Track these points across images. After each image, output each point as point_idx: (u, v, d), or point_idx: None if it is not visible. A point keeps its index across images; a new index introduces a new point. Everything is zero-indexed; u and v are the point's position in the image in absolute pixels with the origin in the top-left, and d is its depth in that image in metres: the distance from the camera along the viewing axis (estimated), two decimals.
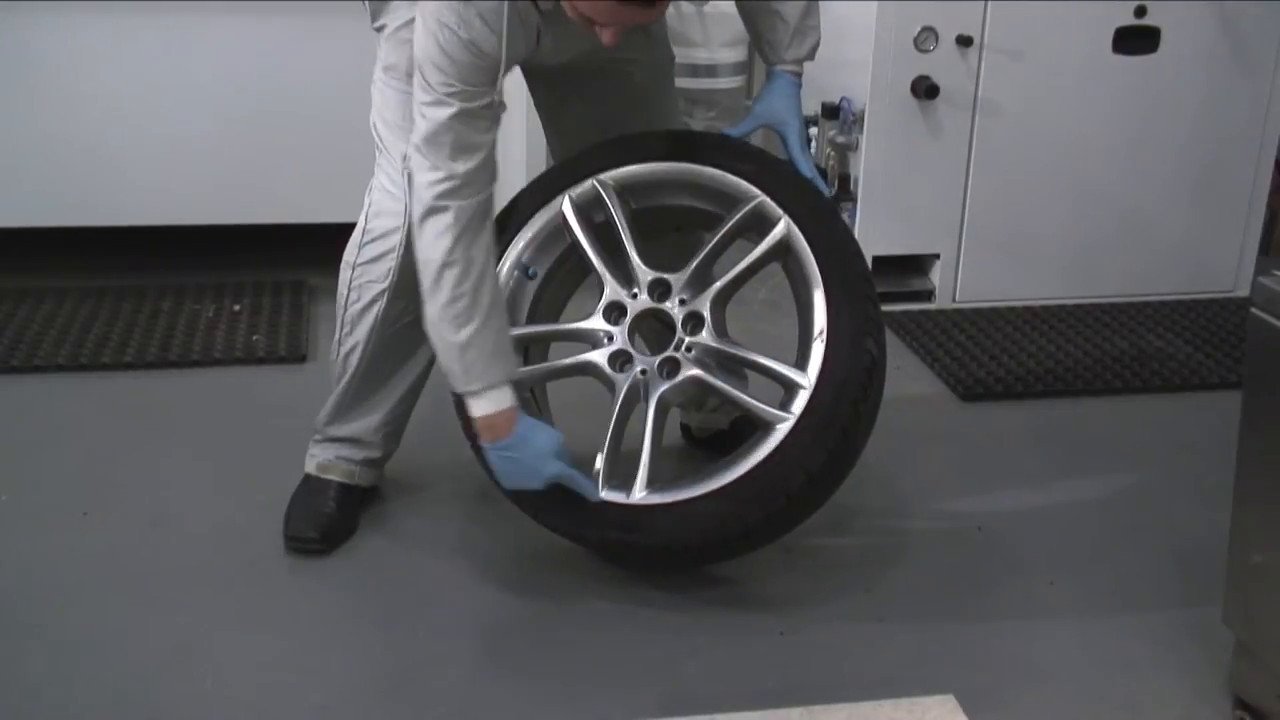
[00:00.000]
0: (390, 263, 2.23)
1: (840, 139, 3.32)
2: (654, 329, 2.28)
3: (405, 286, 2.24)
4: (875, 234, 3.33)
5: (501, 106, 2.01)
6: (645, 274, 2.20)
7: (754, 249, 2.16)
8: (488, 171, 2.01)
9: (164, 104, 3.26)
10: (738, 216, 2.16)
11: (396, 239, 2.21)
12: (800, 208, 2.13)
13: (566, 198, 2.23)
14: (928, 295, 3.42)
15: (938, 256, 3.40)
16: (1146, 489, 2.56)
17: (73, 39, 3.18)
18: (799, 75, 2.25)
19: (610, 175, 2.22)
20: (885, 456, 2.54)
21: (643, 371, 2.16)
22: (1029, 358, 3.11)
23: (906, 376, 3.04)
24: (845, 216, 3.35)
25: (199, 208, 3.38)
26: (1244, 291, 3.49)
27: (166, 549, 2.28)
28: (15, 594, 2.14)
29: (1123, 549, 2.35)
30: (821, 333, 2.05)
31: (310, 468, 2.37)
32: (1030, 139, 3.29)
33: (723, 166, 2.18)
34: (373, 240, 2.24)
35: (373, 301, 2.26)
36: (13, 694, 1.91)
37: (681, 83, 2.56)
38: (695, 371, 2.13)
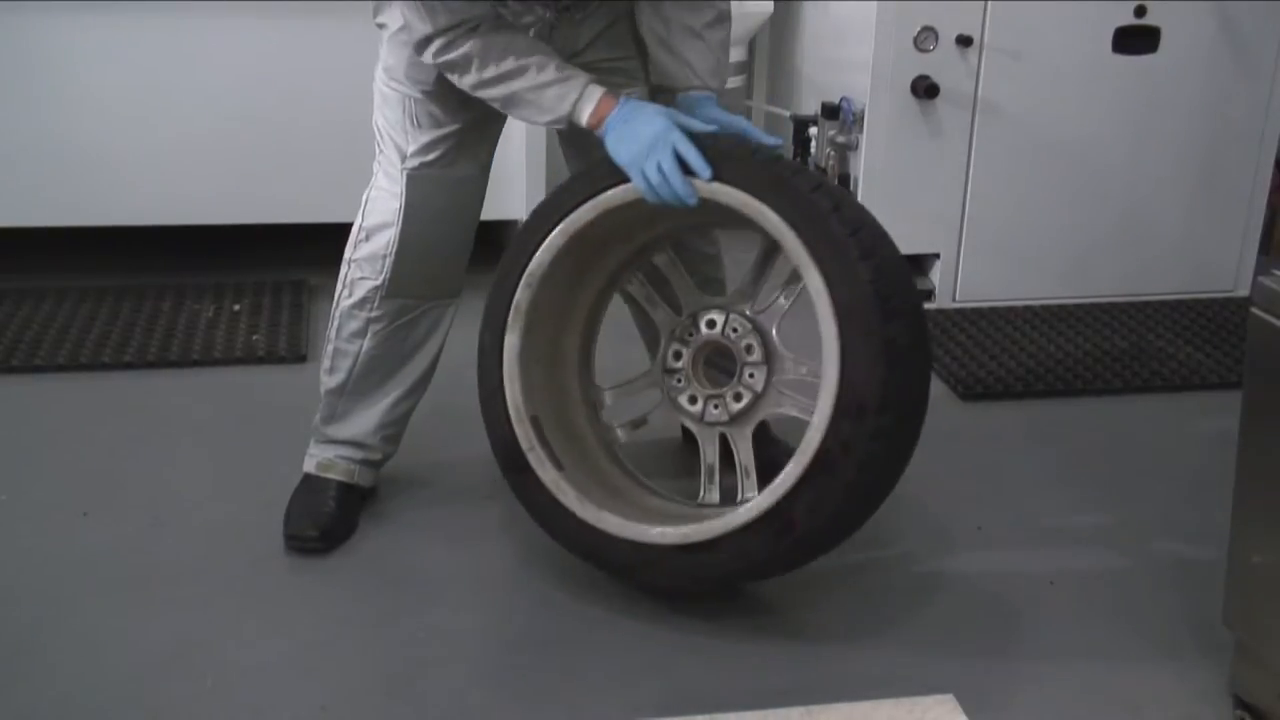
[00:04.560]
0: (384, 261, 2.23)
1: (840, 139, 3.33)
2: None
3: (400, 285, 2.25)
4: None
5: None
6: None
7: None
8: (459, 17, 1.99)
9: (164, 104, 3.26)
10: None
11: (389, 236, 2.22)
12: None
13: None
14: (927, 295, 3.42)
15: (938, 256, 3.40)
16: (1146, 489, 2.56)
17: (73, 39, 3.18)
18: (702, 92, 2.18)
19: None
20: None
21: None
22: (1029, 357, 3.11)
23: None
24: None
25: (199, 208, 3.38)
26: (1244, 291, 3.49)
27: (166, 548, 2.28)
28: (15, 594, 2.14)
29: (1123, 548, 2.34)
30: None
31: (310, 467, 2.37)
32: (1030, 139, 3.29)
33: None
34: (367, 238, 2.25)
35: (365, 299, 2.27)
36: (13, 694, 1.91)
37: None
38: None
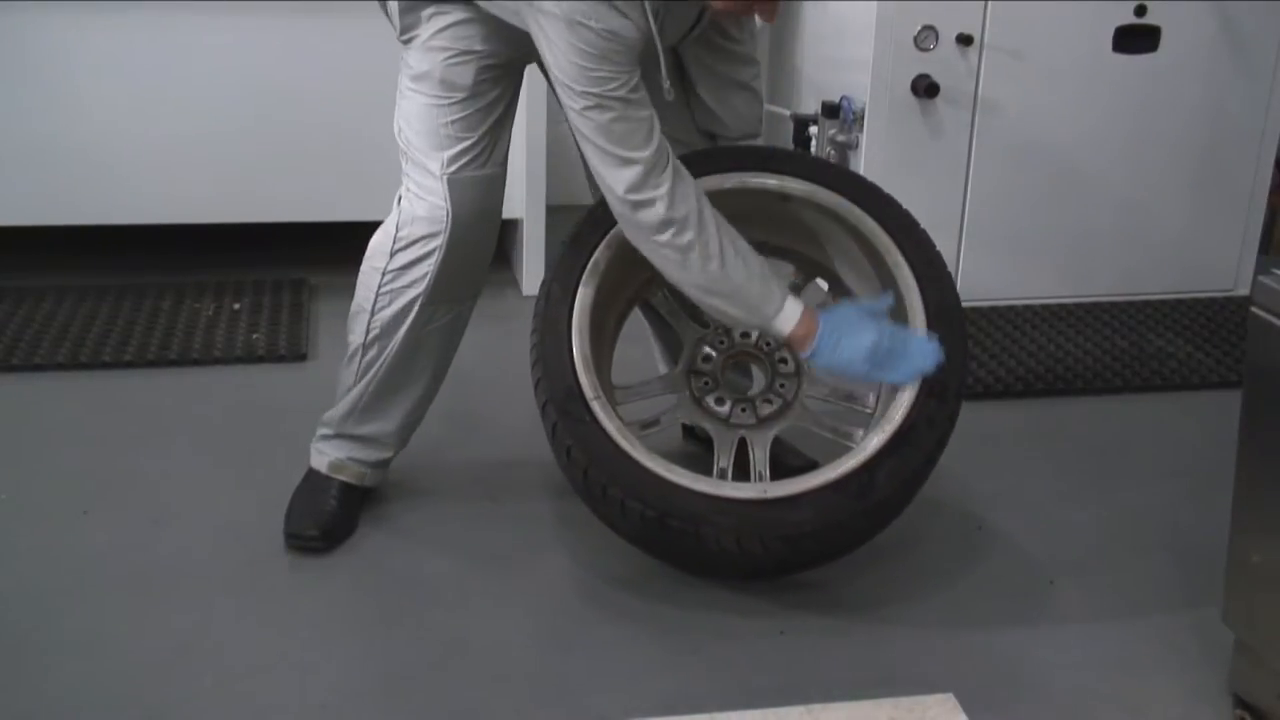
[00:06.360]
0: (427, 268, 2.21)
1: (840, 138, 3.32)
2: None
3: (441, 292, 2.24)
4: None
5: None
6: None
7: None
8: (661, 141, 1.99)
9: (164, 103, 3.26)
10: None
11: (436, 244, 2.20)
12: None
13: None
14: None
15: None
16: (1146, 488, 2.56)
17: (72, 39, 3.18)
18: None
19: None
20: None
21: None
22: (1029, 357, 3.11)
23: None
24: None
25: (199, 207, 3.38)
26: (1244, 290, 3.49)
27: (167, 547, 2.28)
28: (15, 594, 2.14)
29: (1122, 548, 2.35)
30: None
31: (320, 465, 2.35)
32: (1030, 138, 3.28)
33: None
34: (406, 247, 2.22)
35: (407, 308, 2.24)
36: (13, 693, 1.91)
37: None
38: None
